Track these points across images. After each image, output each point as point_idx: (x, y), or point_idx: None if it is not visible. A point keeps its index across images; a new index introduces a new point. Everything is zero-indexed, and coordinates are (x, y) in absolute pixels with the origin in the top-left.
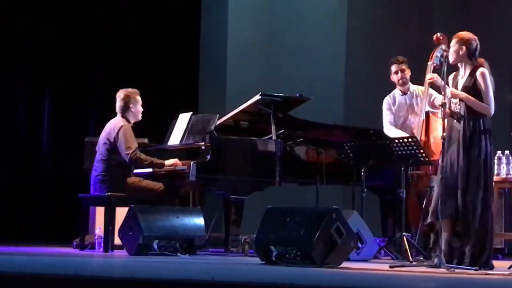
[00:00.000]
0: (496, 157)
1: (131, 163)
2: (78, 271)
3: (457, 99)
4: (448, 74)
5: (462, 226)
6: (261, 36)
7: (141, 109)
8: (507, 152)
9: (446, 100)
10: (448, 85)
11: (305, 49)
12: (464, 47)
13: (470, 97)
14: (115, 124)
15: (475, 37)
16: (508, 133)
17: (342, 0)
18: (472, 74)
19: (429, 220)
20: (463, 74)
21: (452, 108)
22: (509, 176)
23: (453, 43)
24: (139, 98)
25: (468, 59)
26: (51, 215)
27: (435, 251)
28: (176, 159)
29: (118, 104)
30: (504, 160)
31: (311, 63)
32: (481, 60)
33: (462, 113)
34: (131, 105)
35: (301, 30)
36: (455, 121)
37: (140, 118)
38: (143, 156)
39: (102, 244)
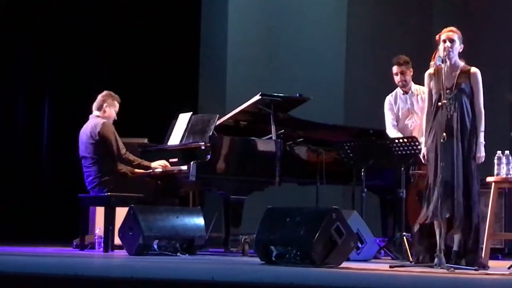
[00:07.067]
0: (496, 157)
1: (123, 162)
2: (78, 271)
3: (452, 95)
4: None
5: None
6: (261, 36)
7: (113, 115)
8: (507, 152)
9: (446, 101)
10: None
11: (305, 49)
12: (462, 45)
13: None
14: (94, 122)
15: None
16: (508, 133)
17: (342, 0)
18: (466, 72)
19: (417, 227)
20: (451, 71)
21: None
22: (509, 176)
23: (456, 38)
24: (117, 104)
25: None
26: (51, 215)
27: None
28: (164, 161)
29: (96, 101)
30: (504, 160)
31: (311, 63)
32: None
33: (457, 111)
34: (105, 105)
35: (301, 30)
36: (452, 118)
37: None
38: (131, 157)
39: (102, 244)
